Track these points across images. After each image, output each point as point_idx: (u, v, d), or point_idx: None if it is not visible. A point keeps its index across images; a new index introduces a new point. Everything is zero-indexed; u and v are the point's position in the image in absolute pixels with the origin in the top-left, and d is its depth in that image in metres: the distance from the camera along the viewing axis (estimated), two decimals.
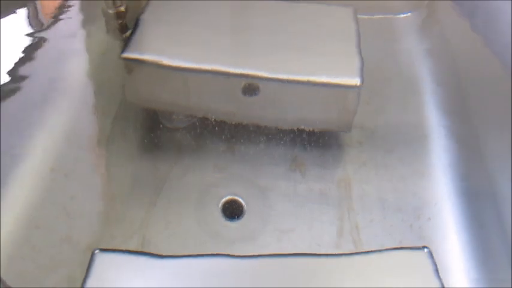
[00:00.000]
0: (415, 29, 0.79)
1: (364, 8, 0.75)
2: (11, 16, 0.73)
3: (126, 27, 0.70)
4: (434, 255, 0.46)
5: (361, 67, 0.58)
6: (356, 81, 0.57)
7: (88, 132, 0.62)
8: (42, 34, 0.72)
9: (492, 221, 0.54)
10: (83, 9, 0.77)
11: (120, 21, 0.71)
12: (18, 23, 0.73)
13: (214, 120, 0.62)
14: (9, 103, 0.61)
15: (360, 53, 0.60)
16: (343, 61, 0.59)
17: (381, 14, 0.80)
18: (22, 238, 0.50)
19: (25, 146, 0.58)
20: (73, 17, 0.76)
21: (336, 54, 0.60)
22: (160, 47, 0.61)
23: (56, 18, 0.75)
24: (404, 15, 0.81)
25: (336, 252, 0.49)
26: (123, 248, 0.47)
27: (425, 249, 0.46)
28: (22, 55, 0.67)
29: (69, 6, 0.77)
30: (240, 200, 0.56)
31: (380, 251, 0.47)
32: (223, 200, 0.56)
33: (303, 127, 0.61)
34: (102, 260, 0.41)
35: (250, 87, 0.60)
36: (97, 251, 0.42)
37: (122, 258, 0.42)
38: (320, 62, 0.59)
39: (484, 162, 0.59)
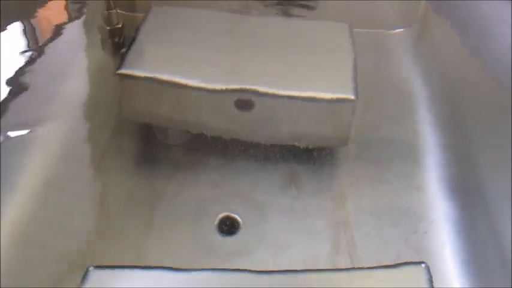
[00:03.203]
0: (409, 44, 0.80)
1: (359, 23, 0.76)
2: (7, 32, 0.74)
3: (122, 43, 0.71)
4: (430, 269, 0.46)
5: (355, 82, 0.59)
6: (350, 96, 0.57)
7: (84, 148, 0.62)
8: (39, 50, 0.72)
9: (488, 235, 0.54)
10: (79, 26, 0.78)
11: (116, 38, 0.71)
12: (14, 39, 0.73)
13: (210, 135, 0.62)
14: (5, 118, 0.62)
15: (355, 68, 0.60)
16: (338, 76, 0.60)
17: (375, 29, 0.81)
18: (17, 254, 0.50)
19: (20, 161, 0.58)
20: (69, 33, 0.76)
21: (331, 70, 0.61)
22: (156, 63, 0.62)
23: (52, 35, 0.75)
24: (398, 30, 0.82)
25: (333, 268, 0.49)
26: (119, 264, 0.47)
27: (423, 264, 0.46)
28: (17, 71, 0.68)
29: (66, 22, 0.78)
30: (236, 215, 0.56)
31: (377, 267, 0.47)
32: (219, 215, 0.56)
33: (297, 144, 0.61)
34: (97, 277, 0.41)
35: (245, 103, 0.60)
36: (91, 268, 0.42)
37: (117, 273, 0.42)
38: (315, 77, 0.60)
39: (479, 176, 0.59)
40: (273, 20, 0.70)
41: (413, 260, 0.48)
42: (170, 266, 0.46)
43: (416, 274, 0.45)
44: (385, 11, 0.86)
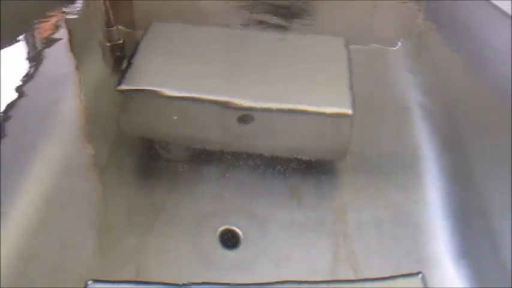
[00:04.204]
0: (405, 59, 0.80)
1: (356, 38, 0.77)
2: (9, 47, 0.74)
3: (123, 59, 0.71)
4: (431, 280, 0.46)
5: (352, 96, 0.59)
6: (347, 110, 0.58)
7: (84, 163, 0.62)
8: (39, 65, 0.73)
9: (487, 246, 0.54)
10: (80, 41, 0.79)
11: (117, 54, 0.72)
12: (15, 53, 0.74)
13: (210, 149, 0.62)
14: (6, 133, 0.62)
15: (351, 82, 0.61)
16: (335, 90, 0.61)
17: (372, 44, 0.82)
18: (17, 269, 0.50)
19: (21, 176, 0.58)
20: (70, 49, 0.77)
21: (328, 84, 0.61)
22: (156, 78, 0.63)
23: (53, 50, 0.76)
24: (395, 45, 0.82)
25: (333, 279, 0.49)
26: (118, 278, 0.47)
27: (419, 275, 0.46)
28: (18, 86, 0.68)
29: (66, 39, 0.79)
30: (237, 228, 0.56)
31: (375, 279, 0.47)
32: (220, 228, 0.56)
33: (298, 156, 0.62)
34: None
35: (245, 116, 0.60)
36: (90, 282, 0.42)
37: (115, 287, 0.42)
38: (312, 91, 0.61)
39: (477, 187, 0.59)
40: (271, 35, 0.71)
41: (411, 272, 0.48)
42: (170, 279, 0.46)
43: (413, 284, 0.45)
44: (383, 26, 0.87)
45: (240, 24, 0.79)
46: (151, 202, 0.58)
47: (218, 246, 0.54)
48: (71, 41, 0.78)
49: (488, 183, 0.59)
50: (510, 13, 0.75)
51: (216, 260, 0.53)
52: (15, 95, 0.67)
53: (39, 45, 0.77)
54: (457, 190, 0.60)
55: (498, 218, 0.55)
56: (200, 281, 0.45)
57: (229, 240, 0.55)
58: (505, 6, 0.77)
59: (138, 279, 0.49)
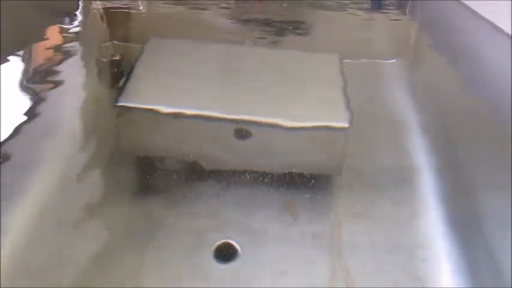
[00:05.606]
0: (401, 74, 0.81)
1: (352, 54, 0.77)
2: (5, 65, 0.75)
3: (120, 75, 0.71)
4: None
5: (347, 110, 0.60)
6: (343, 123, 0.59)
7: (81, 179, 0.62)
8: (37, 82, 0.73)
9: (484, 259, 0.54)
10: (77, 58, 0.79)
11: (114, 70, 0.72)
12: (12, 71, 0.74)
13: (208, 164, 0.62)
14: (4, 152, 0.62)
15: (347, 96, 0.61)
16: (331, 105, 0.61)
17: (368, 59, 0.82)
18: (16, 285, 0.50)
19: (18, 192, 0.58)
20: (68, 65, 0.77)
21: (324, 99, 0.62)
22: (154, 94, 0.63)
23: (50, 67, 0.76)
24: (391, 61, 0.83)
25: None
26: None
27: None
28: (15, 104, 0.68)
29: (64, 55, 0.79)
30: (234, 243, 0.56)
31: None
32: (217, 243, 0.56)
33: (295, 171, 0.62)
34: None
35: (242, 132, 0.61)
36: None
37: None
38: (309, 106, 0.61)
39: (474, 200, 0.60)
40: (267, 51, 0.72)
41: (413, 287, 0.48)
42: None
43: None
44: (379, 41, 0.88)
45: (237, 41, 0.80)
46: (148, 217, 0.58)
47: (215, 260, 0.54)
48: (69, 57, 0.79)
49: (487, 197, 0.59)
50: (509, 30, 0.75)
51: (213, 275, 0.53)
52: (13, 112, 0.67)
53: (37, 62, 0.77)
54: (454, 204, 0.60)
55: (497, 233, 0.55)
56: None
57: (226, 254, 0.55)
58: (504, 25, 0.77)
59: None
